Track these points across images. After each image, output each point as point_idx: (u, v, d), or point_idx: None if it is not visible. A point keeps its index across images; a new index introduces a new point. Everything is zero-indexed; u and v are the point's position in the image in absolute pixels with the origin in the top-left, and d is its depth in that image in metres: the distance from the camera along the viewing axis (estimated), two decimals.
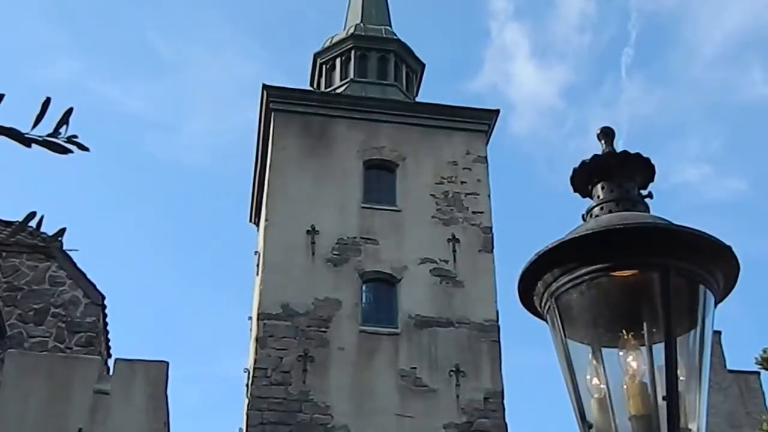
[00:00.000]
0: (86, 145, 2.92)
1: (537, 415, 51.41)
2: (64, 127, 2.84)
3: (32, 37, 61.35)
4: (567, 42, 62.27)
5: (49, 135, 2.83)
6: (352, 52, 29.07)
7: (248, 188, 28.94)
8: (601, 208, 3.01)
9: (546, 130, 62.83)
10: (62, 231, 3.21)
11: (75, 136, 2.88)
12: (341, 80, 28.74)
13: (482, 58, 64.31)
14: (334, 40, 29.79)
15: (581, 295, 2.85)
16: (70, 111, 2.86)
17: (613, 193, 3.03)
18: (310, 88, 29.29)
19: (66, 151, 2.88)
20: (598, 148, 3.14)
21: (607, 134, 3.13)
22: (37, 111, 2.79)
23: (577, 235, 2.84)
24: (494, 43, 62.78)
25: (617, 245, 2.79)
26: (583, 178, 3.12)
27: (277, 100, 25.81)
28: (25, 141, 2.81)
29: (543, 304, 2.98)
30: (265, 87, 25.94)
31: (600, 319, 2.88)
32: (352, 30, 29.70)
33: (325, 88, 28.89)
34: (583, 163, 3.09)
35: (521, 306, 3.08)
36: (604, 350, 2.87)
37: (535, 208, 57.15)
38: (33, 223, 3.14)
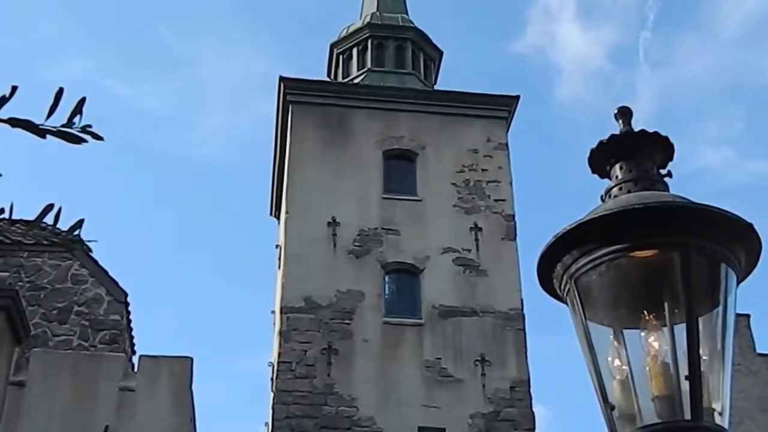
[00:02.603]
0: (100, 134, 2.93)
1: (564, 405, 51.34)
2: (78, 117, 2.85)
3: (44, 36, 61.72)
4: (613, 1, 61.33)
5: (63, 125, 2.84)
6: (369, 41, 28.95)
7: (267, 182, 28.95)
8: (620, 188, 2.98)
9: (592, 94, 62.12)
10: (80, 222, 3.18)
11: (89, 126, 2.88)
12: (358, 70, 28.62)
13: (525, 19, 63.32)
14: (350, 30, 29.67)
15: (601, 276, 2.83)
16: (83, 101, 2.86)
17: (632, 172, 3.00)
18: (328, 79, 29.22)
19: (80, 140, 2.89)
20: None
21: (624, 114, 3.10)
22: (50, 102, 2.81)
23: (595, 216, 2.81)
24: (538, 3, 62.00)
25: (636, 225, 2.77)
26: (601, 159, 3.09)
27: (295, 92, 25.73)
28: (40, 132, 2.82)
29: (562, 287, 2.96)
30: (282, 79, 25.87)
31: (620, 300, 2.85)
32: (368, 19, 29.57)
33: (343, 78, 28.79)
34: (601, 143, 3.06)
35: (540, 289, 3.06)
36: (626, 331, 2.85)
37: (569, 187, 56.55)
38: (51, 218, 3.12)
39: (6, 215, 3.13)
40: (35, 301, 16.73)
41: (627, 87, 61.62)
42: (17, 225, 16.56)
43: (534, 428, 21.70)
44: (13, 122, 2.84)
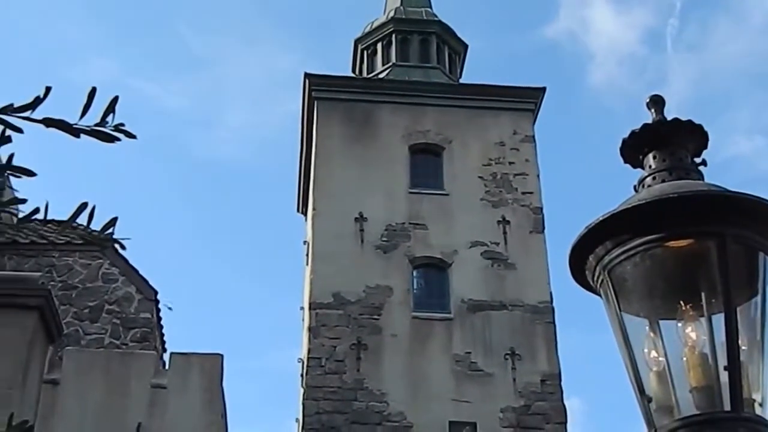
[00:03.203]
0: (133, 132, 2.95)
1: (599, 397, 51.08)
2: (111, 116, 2.87)
3: (68, 37, 62.16)
4: None
5: (96, 124, 2.86)
6: (393, 36, 28.89)
7: (294, 178, 29.00)
8: (654, 178, 2.96)
9: (625, 80, 61.55)
10: (114, 221, 3.18)
11: (122, 125, 2.90)
12: (383, 65, 28.58)
13: (557, 4, 62.74)
14: (374, 25, 29.63)
15: (635, 267, 2.81)
16: (115, 99, 2.88)
17: (666, 162, 2.98)
18: (353, 75, 29.20)
19: (113, 139, 2.91)
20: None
21: (656, 102, 3.07)
22: (84, 101, 2.82)
23: (629, 206, 2.81)
24: None
25: (671, 214, 2.75)
26: (633, 148, 3.06)
27: (320, 88, 25.74)
28: (74, 131, 2.84)
29: (596, 278, 2.93)
30: (307, 75, 25.89)
31: (656, 291, 2.83)
32: (392, 14, 29.51)
33: (368, 73, 28.75)
34: (633, 132, 3.03)
35: (573, 281, 3.03)
36: (662, 322, 2.83)
37: (598, 177, 56.12)
38: (83, 217, 3.12)
39: (41, 215, 3.11)
40: (67, 300, 16.84)
41: (659, 72, 61.08)
42: (48, 225, 16.68)
43: (566, 422, 21.60)
44: (48, 122, 2.86)
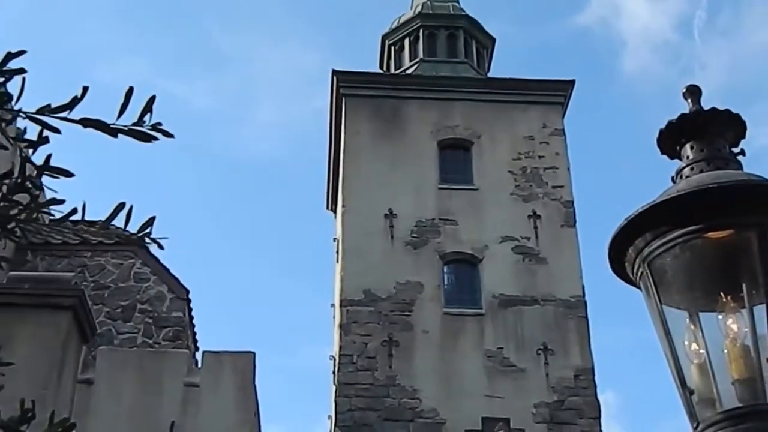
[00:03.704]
0: (170, 131, 2.96)
1: (635, 390, 50.70)
2: (148, 115, 2.88)
3: (97, 38, 62.57)
4: None
5: (134, 124, 2.87)
6: (421, 31, 28.80)
7: (323, 176, 29.01)
8: (692, 168, 2.94)
9: (659, 67, 60.87)
10: (152, 220, 3.18)
11: (159, 124, 2.91)
12: (411, 60, 28.50)
13: None
14: (401, 21, 29.56)
15: (675, 258, 2.80)
16: (152, 99, 2.88)
17: (704, 152, 2.96)
18: (380, 71, 29.15)
19: (151, 138, 2.91)
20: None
21: (693, 92, 3.05)
22: (121, 101, 2.84)
23: (668, 197, 2.78)
24: None
25: (711, 205, 2.74)
26: (670, 139, 3.04)
27: (348, 85, 25.71)
28: (111, 131, 2.85)
29: (635, 271, 2.91)
30: (334, 72, 25.87)
31: (696, 283, 2.82)
32: (419, 9, 29.42)
33: (395, 69, 28.70)
34: (670, 123, 3.01)
35: (612, 273, 3.00)
36: (702, 314, 2.82)
37: (631, 169, 55.45)
38: (121, 216, 3.14)
39: (78, 215, 3.12)
40: (99, 300, 16.93)
41: (693, 59, 60.35)
42: (80, 225, 16.79)
43: (599, 417, 21.44)
44: (85, 122, 2.86)
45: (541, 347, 21.95)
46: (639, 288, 2.95)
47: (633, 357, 51.20)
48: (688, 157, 2.98)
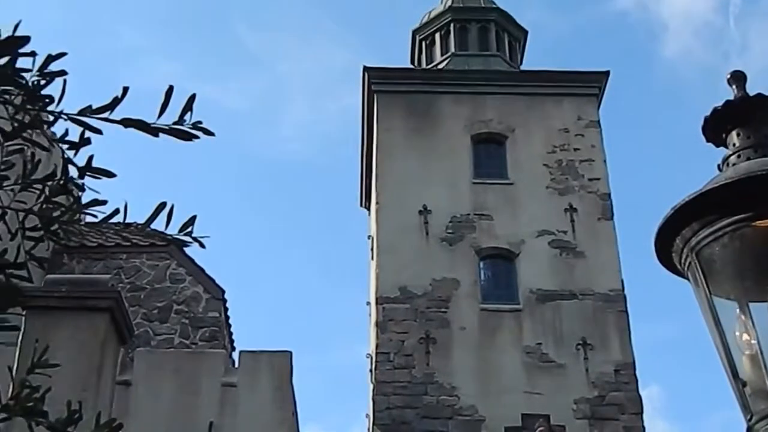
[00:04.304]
0: (211, 130, 2.96)
1: (681, 383, 50.18)
2: (189, 114, 2.89)
3: (125, 42, 62.87)
4: None
5: (174, 123, 2.88)
6: (451, 25, 28.57)
7: (356, 173, 28.90)
8: (738, 156, 2.89)
9: (701, 51, 60.02)
10: (192, 219, 3.16)
11: (200, 122, 2.91)
12: (442, 55, 28.29)
13: None
14: (431, 15, 29.37)
15: (724, 248, 2.77)
16: (193, 97, 2.89)
17: (750, 139, 2.91)
18: (412, 66, 28.99)
19: (192, 137, 2.92)
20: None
21: (738, 78, 3.01)
22: (161, 100, 2.85)
23: (715, 185, 2.74)
24: None
25: (759, 193, 2.71)
26: (716, 126, 2.99)
27: (380, 81, 25.58)
28: (152, 131, 2.87)
29: (683, 261, 2.86)
30: (366, 69, 25.76)
31: (746, 272, 2.79)
32: (449, 3, 29.21)
33: (427, 64, 28.51)
34: (715, 110, 2.95)
35: (659, 264, 2.95)
36: (752, 305, 2.78)
37: (671, 158, 54.67)
38: (163, 216, 3.13)
39: (121, 216, 3.09)
40: (136, 301, 16.96)
41: (734, 43, 59.47)
42: (115, 227, 16.80)
43: (642, 412, 21.16)
44: (126, 123, 2.86)
45: (581, 342, 21.69)
46: (687, 279, 2.91)
47: (678, 350, 50.72)
48: (734, 145, 2.92)
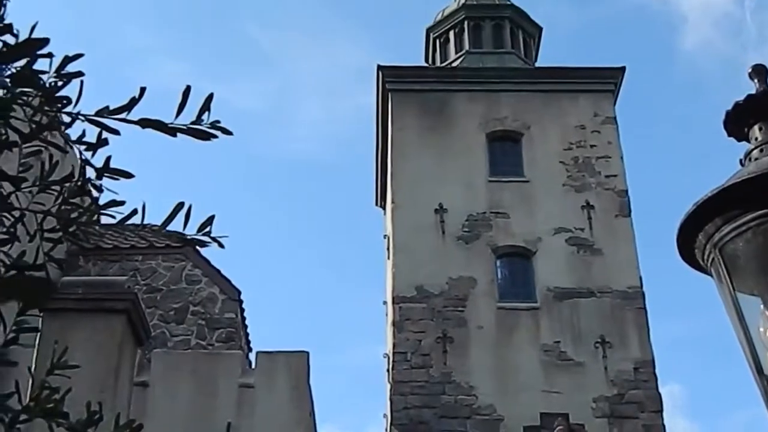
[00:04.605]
0: (229, 129, 2.94)
1: (696, 383, 49.92)
2: (207, 113, 2.86)
3: (136, 42, 63.00)
4: None
5: (192, 122, 2.86)
6: (465, 22, 28.50)
7: (371, 172, 28.86)
8: (761, 150, 2.85)
9: (721, 42, 59.62)
10: (211, 219, 3.12)
11: (218, 121, 2.88)
12: (456, 53, 28.22)
13: None
14: (445, 13, 29.32)
15: (748, 243, 2.73)
16: (210, 97, 2.86)
17: None
18: (426, 64, 28.92)
19: (210, 136, 2.89)
20: None
21: (759, 72, 2.98)
22: (178, 100, 2.83)
23: (738, 180, 2.71)
24: None
25: None
26: (737, 121, 2.94)
27: (394, 80, 25.53)
28: (170, 131, 2.84)
29: (705, 257, 2.83)
30: (380, 67, 25.71)
31: None
32: (463, 0, 29.11)
33: (441, 62, 28.45)
34: (737, 104, 2.91)
35: (680, 260, 2.91)
36: None
37: (689, 154, 54.33)
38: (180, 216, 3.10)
39: (139, 216, 3.06)
40: (152, 303, 16.97)
41: (752, 34, 59.01)
42: (131, 229, 16.80)
43: (662, 410, 21.01)
44: (144, 123, 2.84)
45: (599, 340, 21.57)
46: (710, 275, 2.87)
47: (699, 347, 50.41)
48: (756, 139, 2.88)
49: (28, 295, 2.98)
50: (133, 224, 3.40)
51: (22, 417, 3.02)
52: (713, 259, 2.80)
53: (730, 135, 2.98)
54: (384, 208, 27.79)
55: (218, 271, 17.68)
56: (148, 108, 2.87)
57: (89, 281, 13.01)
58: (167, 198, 3.20)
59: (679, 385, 58.25)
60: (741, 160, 2.90)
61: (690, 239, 2.84)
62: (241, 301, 17.62)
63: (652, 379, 21.25)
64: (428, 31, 29.46)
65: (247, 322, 18.20)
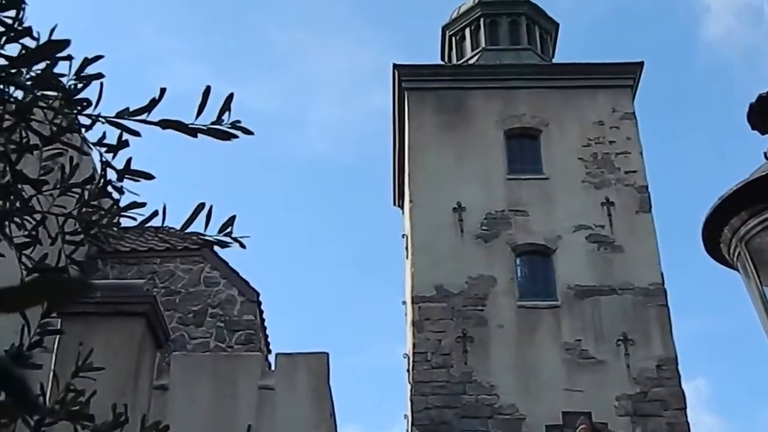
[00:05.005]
0: (250, 129, 2.92)
1: (722, 378, 49.57)
2: (227, 113, 2.85)
3: (150, 44, 63.12)
4: None
5: (212, 123, 2.84)
6: (481, 19, 28.40)
7: (388, 172, 28.76)
8: None
9: (742, 32, 59.19)
10: (232, 219, 3.12)
11: (238, 121, 2.87)
12: (473, 50, 28.12)
13: None
14: (461, 10, 29.23)
15: None
16: (231, 96, 2.85)
17: None
18: (442, 63, 28.81)
19: (230, 136, 2.87)
20: None
21: None
22: (198, 100, 2.83)
23: (764, 173, 2.63)
24: None
25: None
26: (761, 113, 2.88)
27: (410, 79, 25.42)
28: (191, 131, 2.83)
29: (731, 251, 2.77)
30: (396, 66, 25.60)
31: None
32: None
33: (457, 60, 28.35)
34: (761, 97, 2.85)
35: (706, 255, 2.84)
36: None
37: (712, 147, 53.92)
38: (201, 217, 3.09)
39: (159, 218, 3.06)
40: (171, 305, 16.94)
41: None
42: (150, 231, 16.76)
43: (685, 407, 20.82)
44: (164, 124, 2.82)
45: (621, 338, 21.39)
46: (736, 269, 2.82)
47: (725, 342, 50.04)
48: None
49: (63, 294, 2.92)
50: (152, 226, 3.35)
51: (48, 420, 3.02)
52: (739, 253, 2.75)
53: (753, 128, 2.91)
54: (402, 207, 27.69)
55: (237, 272, 17.64)
56: (165, 111, 2.86)
57: (108, 284, 12.99)
58: (184, 200, 3.16)
59: (704, 380, 57.90)
60: (765, 153, 2.84)
61: (715, 233, 2.79)
62: (259, 303, 17.57)
63: (675, 377, 21.05)
64: (444, 28, 29.38)
65: (266, 323, 18.15)
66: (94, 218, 3.16)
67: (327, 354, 14.30)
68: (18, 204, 2.99)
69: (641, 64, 25.26)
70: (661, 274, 22.38)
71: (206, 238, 3.09)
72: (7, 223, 2.99)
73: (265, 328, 18.19)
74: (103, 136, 2.98)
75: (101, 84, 2.89)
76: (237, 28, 66.12)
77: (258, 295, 17.56)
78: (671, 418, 20.59)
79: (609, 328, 21.55)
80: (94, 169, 3.06)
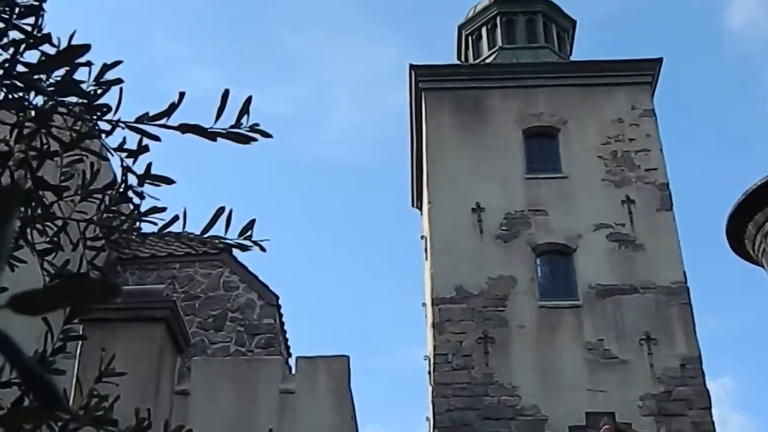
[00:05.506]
0: (269, 132, 2.92)
1: (749, 375, 49.14)
2: (246, 117, 2.86)
3: (164, 49, 63.27)
4: None
5: (231, 126, 2.85)
6: (498, 18, 28.25)
7: (406, 173, 28.66)
8: None
9: (765, 22, 58.55)
10: (252, 223, 3.12)
11: (257, 125, 2.87)
12: (489, 49, 27.97)
13: None
14: (477, 9, 29.08)
15: None
16: (249, 100, 2.86)
17: None
18: (459, 62, 28.68)
19: (249, 140, 2.88)
20: None
21: None
22: (217, 104, 2.83)
23: None
24: None
25: None
26: None
27: (427, 79, 25.30)
28: (210, 135, 2.83)
29: (756, 247, 2.47)
30: (412, 67, 25.48)
31: None
32: None
33: (474, 59, 28.21)
34: None
35: (731, 251, 2.53)
36: None
37: (735, 140, 53.30)
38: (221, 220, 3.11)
39: (180, 223, 3.07)
40: (191, 310, 16.94)
41: None
42: (170, 236, 16.76)
43: (710, 406, 20.57)
44: (184, 128, 2.81)
45: (644, 337, 21.18)
46: (761, 265, 2.55)
47: (752, 340, 49.58)
48: None
49: (93, 296, 2.88)
50: (172, 232, 3.32)
51: (72, 426, 3.02)
52: (765, 248, 2.60)
53: None
54: (420, 209, 27.58)
55: (256, 276, 17.61)
56: (182, 116, 2.84)
57: (128, 290, 12.99)
58: (203, 204, 3.12)
59: (731, 379, 57.39)
60: None
61: (739, 230, 2.64)
62: (279, 307, 17.54)
63: (699, 375, 20.82)
64: (460, 28, 29.24)
65: (285, 327, 18.12)
66: (115, 224, 3.16)
67: (347, 357, 14.24)
68: (39, 210, 3.00)
69: (660, 60, 25.04)
70: (684, 273, 22.14)
71: (226, 241, 3.07)
72: (28, 229, 2.99)
73: (284, 332, 18.16)
74: (123, 142, 2.99)
75: (120, 89, 2.89)
76: (250, 32, 66.27)
77: (277, 298, 17.53)
78: (696, 418, 20.36)
79: (631, 328, 21.34)
80: (115, 174, 3.02)
